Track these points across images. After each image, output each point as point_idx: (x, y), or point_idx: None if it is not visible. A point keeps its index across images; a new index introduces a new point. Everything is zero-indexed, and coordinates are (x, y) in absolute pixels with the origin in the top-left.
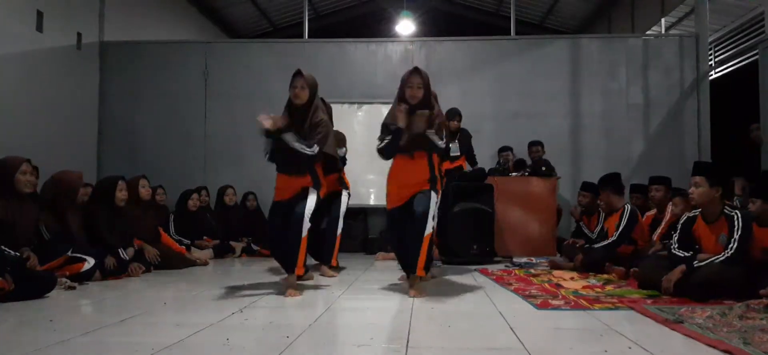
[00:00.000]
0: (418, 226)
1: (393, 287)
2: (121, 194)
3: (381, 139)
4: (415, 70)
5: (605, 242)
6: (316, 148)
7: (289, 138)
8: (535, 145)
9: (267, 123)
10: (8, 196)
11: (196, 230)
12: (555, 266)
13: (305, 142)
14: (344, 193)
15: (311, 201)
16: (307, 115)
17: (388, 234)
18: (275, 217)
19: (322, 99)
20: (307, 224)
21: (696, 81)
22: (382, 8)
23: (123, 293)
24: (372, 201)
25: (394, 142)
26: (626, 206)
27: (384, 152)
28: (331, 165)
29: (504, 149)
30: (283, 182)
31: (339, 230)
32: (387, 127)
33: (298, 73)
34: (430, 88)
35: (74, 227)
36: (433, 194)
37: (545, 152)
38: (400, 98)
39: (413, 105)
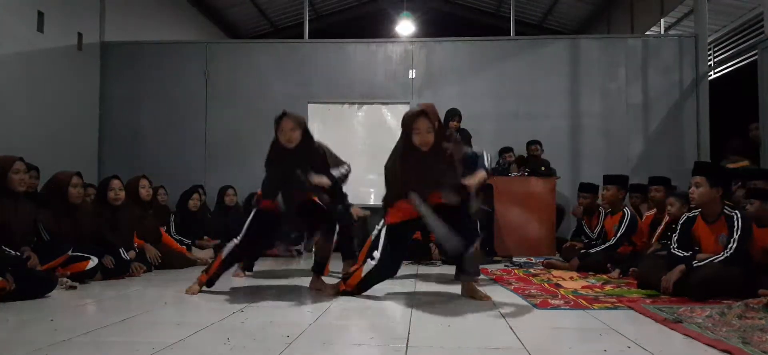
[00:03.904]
0: None
1: (393, 287)
2: (112, 193)
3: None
4: (421, 113)
5: (603, 246)
6: (346, 168)
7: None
8: (533, 144)
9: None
10: (1, 195)
11: (196, 230)
12: (551, 266)
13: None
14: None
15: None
16: (304, 155)
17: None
18: (263, 225)
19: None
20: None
21: (695, 81)
22: (382, 9)
23: (124, 292)
24: (372, 201)
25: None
26: (626, 210)
27: None
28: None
29: (505, 150)
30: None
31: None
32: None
33: (284, 115)
34: (442, 125)
35: (68, 226)
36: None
37: (544, 151)
38: (407, 146)
39: (426, 152)
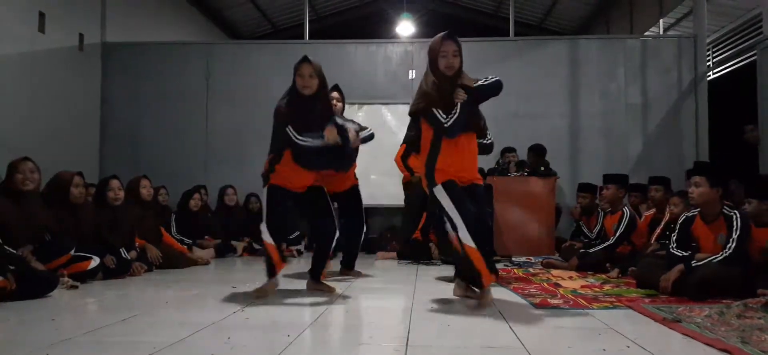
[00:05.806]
0: None
1: (393, 287)
2: (111, 193)
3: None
4: (449, 36)
5: (602, 246)
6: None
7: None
8: (510, 152)
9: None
10: (6, 194)
11: (197, 230)
12: (550, 265)
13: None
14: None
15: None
16: (317, 106)
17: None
18: (285, 206)
19: (338, 87)
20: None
21: (694, 81)
22: (383, 10)
23: (125, 292)
24: (372, 201)
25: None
26: (625, 210)
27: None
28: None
29: (508, 150)
30: (300, 176)
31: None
32: (427, 96)
33: (305, 59)
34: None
35: (70, 225)
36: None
37: (517, 157)
38: (434, 71)
39: (450, 76)
